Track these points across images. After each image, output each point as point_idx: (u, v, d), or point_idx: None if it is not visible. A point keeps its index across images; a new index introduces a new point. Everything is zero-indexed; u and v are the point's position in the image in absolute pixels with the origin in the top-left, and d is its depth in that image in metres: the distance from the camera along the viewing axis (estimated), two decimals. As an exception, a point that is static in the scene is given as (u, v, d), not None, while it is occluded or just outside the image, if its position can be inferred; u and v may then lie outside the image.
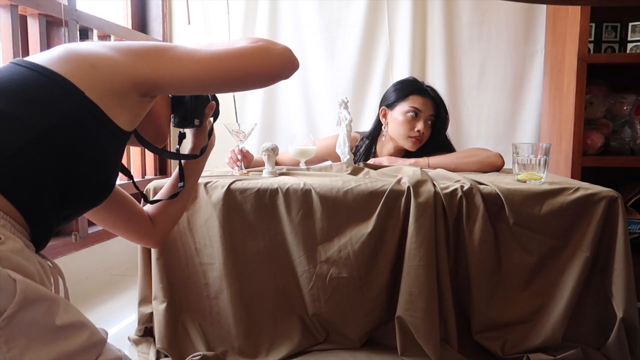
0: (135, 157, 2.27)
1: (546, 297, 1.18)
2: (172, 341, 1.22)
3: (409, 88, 1.74)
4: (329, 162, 1.73)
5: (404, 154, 1.77)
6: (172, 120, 1.01)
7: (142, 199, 1.07)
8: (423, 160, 1.61)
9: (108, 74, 0.74)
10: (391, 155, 1.77)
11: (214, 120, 1.10)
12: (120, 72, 0.76)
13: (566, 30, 1.85)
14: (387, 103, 1.77)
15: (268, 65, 0.82)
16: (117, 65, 0.76)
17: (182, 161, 1.07)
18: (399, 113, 1.71)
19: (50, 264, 0.74)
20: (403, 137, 1.71)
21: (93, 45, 0.78)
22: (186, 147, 1.09)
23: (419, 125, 1.68)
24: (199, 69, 0.79)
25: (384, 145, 1.79)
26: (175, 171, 1.09)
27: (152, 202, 1.07)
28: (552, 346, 1.16)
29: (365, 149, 1.82)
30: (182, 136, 1.07)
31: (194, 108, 1.00)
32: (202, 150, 1.06)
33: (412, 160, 1.63)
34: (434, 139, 1.74)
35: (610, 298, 1.14)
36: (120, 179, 1.89)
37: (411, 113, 1.69)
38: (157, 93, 0.85)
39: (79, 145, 0.71)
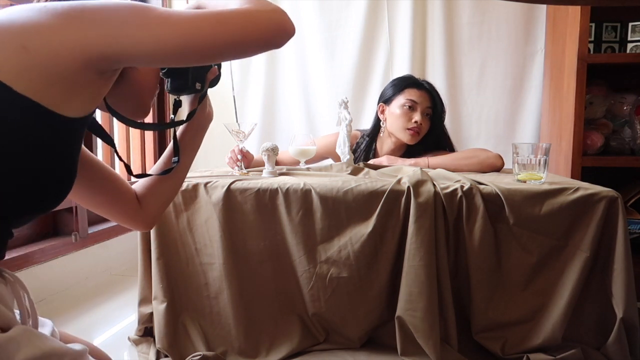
0: (135, 156, 2.27)
1: (546, 297, 1.18)
2: (172, 341, 1.22)
3: (404, 82, 1.77)
4: (329, 161, 1.73)
5: (405, 149, 1.78)
6: (167, 85, 0.88)
7: (127, 172, 0.94)
8: (423, 161, 1.62)
9: (48, 55, 0.58)
10: (391, 151, 1.78)
11: (212, 86, 0.97)
12: (66, 48, 0.59)
13: (566, 30, 1.85)
14: (384, 99, 1.79)
15: (253, 33, 0.68)
16: (61, 41, 0.59)
17: (177, 134, 0.93)
18: (396, 107, 1.73)
19: (11, 279, 0.67)
20: (401, 130, 1.72)
21: (27, 13, 0.60)
22: (182, 116, 0.96)
23: (416, 117, 1.70)
24: (168, 38, 0.63)
25: (384, 142, 1.80)
26: (169, 146, 0.95)
27: (139, 177, 0.93)
28: (552, 346, 1.16)
29: (365, 146, 1.83)
30: (177, 104, 0.93)
31: (195, 71, 0.87)
32: (189, 115, 0.90)
33: (412, 160, 1.63)
34: (432, 132, 1.75)
35: (610, 298, 1.14)
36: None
37: (408, 105, 1.70)
38: (120, 67, 0.70)
39: (17, 153, 0.59)
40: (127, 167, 0.92)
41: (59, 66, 0.59)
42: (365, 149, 1.82)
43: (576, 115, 1.72)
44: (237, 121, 2.31)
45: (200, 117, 0.93)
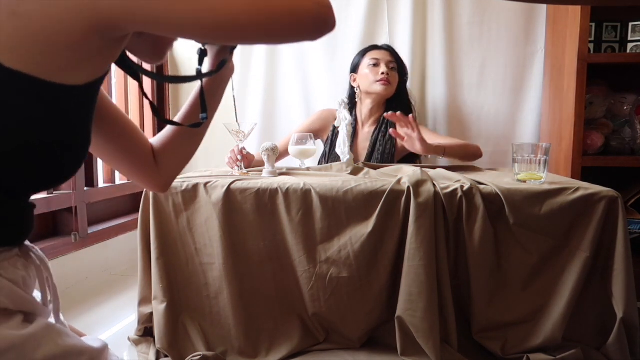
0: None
1: (546, 297, 1.18)
2: (172, 341, 1.22)
3: (365, 48, 1.98)
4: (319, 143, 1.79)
5: (384, 107, 1.90)
6: None
7: (153, 113, 0.83)
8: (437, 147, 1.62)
9: (44, 22, 0.51)
10: (370, 111, 1.92)
11: None
12: (66, 14, 0.51)
13: (566, 30, 1.84)
14: (352, 69, 1.98)
15: (294, 22, 0.59)
16: (59, 5, 0.51)
17: (203, 86, 0.82)
18: (363, 69, 1.91)
19: (37, 261, 0.65)
20: (372, 84, 1.87)
21: None
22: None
23: (382, 69, 1.86)
24: (192, 14, 0.54)
25: (363, 107, 1.93)
26: (190, 99, 0.85)
27: (167, 122, 0.83)
28: (552, 346, 1.16)
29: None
30: (204, 54, 0.82)
31: None
32: (219, 65, 0.79)
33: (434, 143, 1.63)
34: (402, 89, 1.94)
35: (610, 298, 1.14)
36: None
37: (372, 63, 1.88)
38: (131, 32, 0.60)
39: (19, 130, 0.54)
40: (154, 108, 0.82)
41: (57, 35, 0.51)
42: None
43: (576, 115, 1.72)
44: (237, 121, 2.31)
45: (225, 70, 0.84)
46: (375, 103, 1.90)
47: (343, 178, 1.29)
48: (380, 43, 2.29)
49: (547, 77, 2.11)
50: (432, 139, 1.69)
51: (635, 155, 1.80)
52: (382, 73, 1.85)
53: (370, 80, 1.86)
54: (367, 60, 1.90)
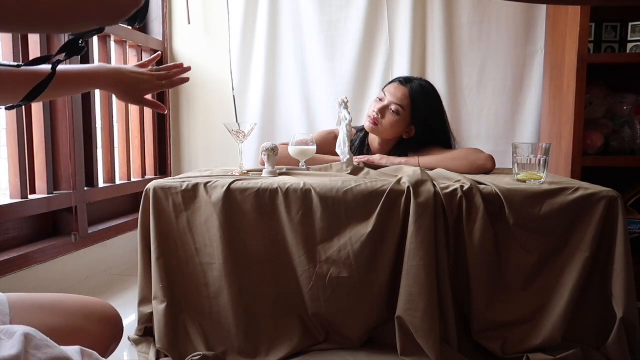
0: (135, 157, 2.27)
1: (546, 297, 1.18)
2: (172, 341, 1.22)
3: (393, 79, 1.76)
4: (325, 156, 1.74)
5: (394, 144, 1.74)
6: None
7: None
8: (413, 160, 1.61)
9: None
10: (379, 145, 1.75)
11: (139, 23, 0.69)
12: None
13: (566, 30, 1.84)
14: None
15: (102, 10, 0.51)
16: None
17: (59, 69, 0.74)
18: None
19: None
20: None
21: None
22: None
23: (375, 106, 1.66)
24: None
25: (370, 139, 1.80)
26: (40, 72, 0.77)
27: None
28: (552, 346, 1.16)
29: (359, 142, 1.85)
30: (78, 49, 0.69)
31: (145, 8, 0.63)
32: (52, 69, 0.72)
33: (403, 159, 1.62)
34: (419, 132, 1.68)
35: (610, 298, 1.14)
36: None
37: (379, 98, 1.69)
38: None
39: None
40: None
41: None
42: (359, 145, 1.84)
43: (576, 115, 1.72)
44: (237, 121, 2.31)
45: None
46: (384, 139, 1.73)
47: (343, 178, 1.30)
48: (380, 43, 2.29)
49: (547, 77, 2.11)
50: (433, 158, 1.62)
51: (635, 155, 1.80)
52: (374, 111, 1.66)
53: (368, 113, 1.70)
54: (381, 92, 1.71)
